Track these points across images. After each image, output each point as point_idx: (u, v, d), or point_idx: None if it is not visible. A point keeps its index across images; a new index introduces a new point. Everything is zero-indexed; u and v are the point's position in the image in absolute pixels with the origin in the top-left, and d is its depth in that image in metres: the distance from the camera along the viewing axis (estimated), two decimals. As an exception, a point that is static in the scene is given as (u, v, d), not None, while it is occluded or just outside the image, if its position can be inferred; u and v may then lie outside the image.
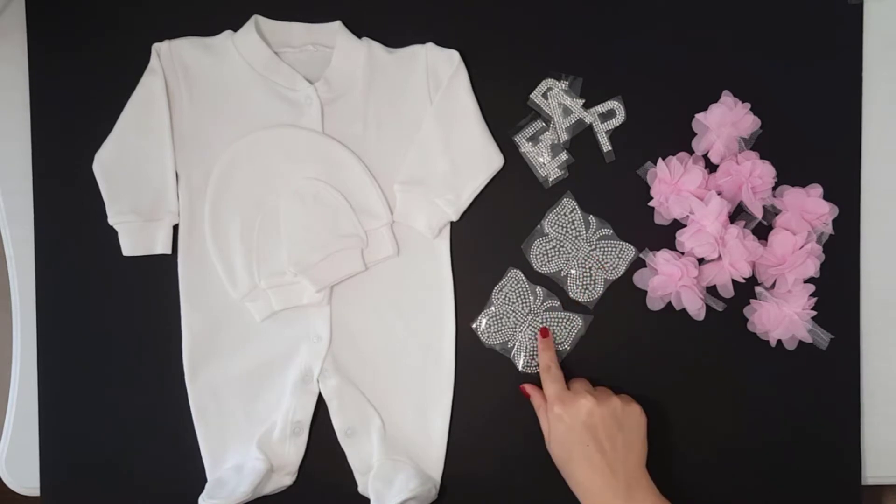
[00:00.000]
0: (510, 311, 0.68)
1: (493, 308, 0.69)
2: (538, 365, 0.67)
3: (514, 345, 0.68)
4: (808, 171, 0.69)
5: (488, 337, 0.68)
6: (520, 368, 0.68)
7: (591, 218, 0.69)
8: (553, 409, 0.62)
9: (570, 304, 0.69)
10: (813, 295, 0.67)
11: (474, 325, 0.69)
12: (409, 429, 0.67)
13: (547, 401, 0.64)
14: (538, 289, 0.69)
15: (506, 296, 0.69)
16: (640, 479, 0.60)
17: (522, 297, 0.69)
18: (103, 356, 0.69)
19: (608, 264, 0.69)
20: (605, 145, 0.70)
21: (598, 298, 0.69)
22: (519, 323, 0.68)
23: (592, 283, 0.69)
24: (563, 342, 0.68)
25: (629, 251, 0.69)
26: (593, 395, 0.62)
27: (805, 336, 0.67)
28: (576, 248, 0.69)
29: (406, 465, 0.66)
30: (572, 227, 0.69)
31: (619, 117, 0.70)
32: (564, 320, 0.69)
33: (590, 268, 0.69)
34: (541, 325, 0.68)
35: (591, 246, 0.69)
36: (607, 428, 0.61)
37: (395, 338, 0.68)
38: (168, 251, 0.68)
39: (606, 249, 0.69)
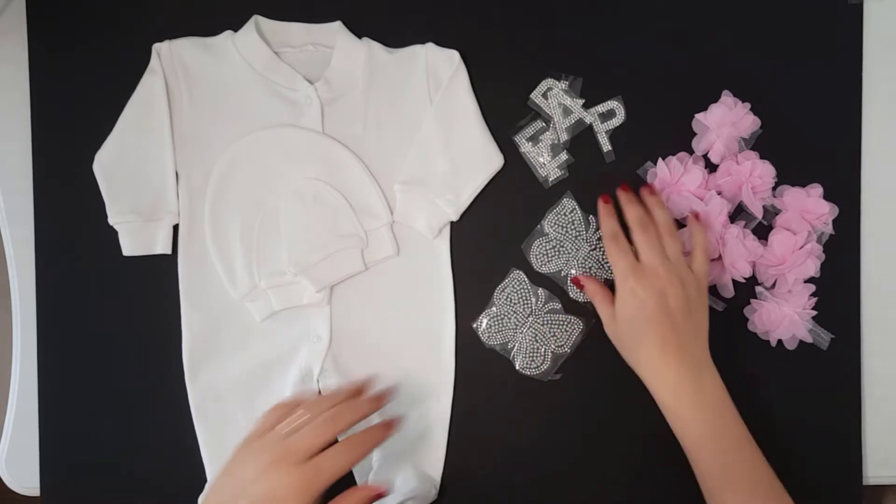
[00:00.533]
0: (511, 312, 0.68)
1: (494, 308, 0.68)
2: (601, 236, 0.64)
3: (514, 346, 0.68)
4: (808, 171, 0.69)
5: (489, 337, 0.68)
6: (517, 368, 0.68)
7: (592, 218, 0.69)
8: (627, 281, 0.59)
9: (571, 307, 0.69)
10: (813, 295, 0.67)
11: (475, 325, 0.69)
12: (409, 429, 0.67)
13: (617, 274, 0.61)
14: (540, 290, 0.68)
15: (507, 296, 0.69)
16: (706, 362, 0.59)
17: (524, 298, 0.68)
18: (103, 356, 0.69)
19: (608, 264, 0.69)
20: (605, 145, 0.70)
21: None
22: (519, 324, 0.68)
23: None
24: (563, 345, 0.68)
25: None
26: (668, 273, 0.59)
27: (805, 336, 0.67)
28: (576, 248, 0.69)
29: (406, 465, 0.66)
30: (572, 226, 0.69)
31: (619, 117, 0.70)
32: (565, 323, 0.69)
33: (590, 268, 0.69)
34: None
35: (591, 246, 0.69)
36: (680, 309, 0.58)
37: (395, 337, 0.68)
38: (168, 251, 0.68)
39: None
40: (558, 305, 0.69)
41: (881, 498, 0.85)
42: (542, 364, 0.68)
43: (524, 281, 0.68)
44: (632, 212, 0.63)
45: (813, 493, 0.69)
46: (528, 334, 0.68)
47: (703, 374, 0.59)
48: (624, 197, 0.65)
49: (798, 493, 0.69)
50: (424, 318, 0.68)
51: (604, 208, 0.65)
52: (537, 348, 0.68)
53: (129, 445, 0.68)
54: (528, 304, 0.68)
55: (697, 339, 0.60)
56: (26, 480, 0.69)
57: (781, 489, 0.58)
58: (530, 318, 0.68)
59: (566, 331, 0.68)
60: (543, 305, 0.69)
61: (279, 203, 0.67)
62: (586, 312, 0.69)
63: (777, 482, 0.58)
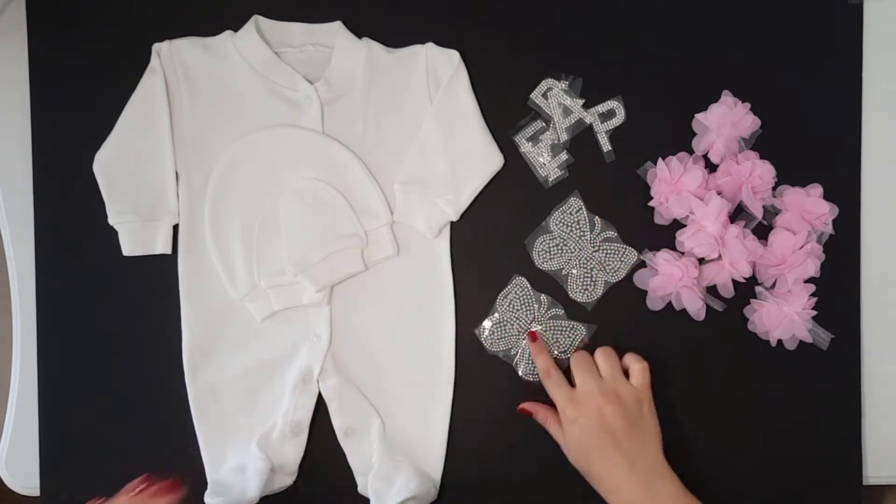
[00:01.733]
0: (514, 319, 0.68)
1: (497, 315, 0.68)
2: (605, 238, 0.66)
3: (517, 352, 0.68)
4: (808, 171, 0.69)
5: (492, 343, 0.68)
6: (520, 374, 0.68)
7: (597, 219, 0.69)
8: (566, 413, 0.63)
9: (574, 313, 0.69)
10: (813, 295, 0.67)
11: (478, 331, 0.68)
12: (409, 429, 0.67)
13: (557, 406, 0.64)
14: (543, 297, 0.68)
15: (510, 303, 0.68)
16: (661, 470, 0.61)
17: (527, 304, 0.68)
18: (103, 356, 0.69)
19: (610, 267, 0.69)
20: (605, 145, 0.70)
21: (597, 300, 0.68)
22: (522, 330, 0.68)
23: (593, 284, 0.69)
24: (566, 350, 0.68)
25: (631, 255, 0.69)
26: (600, 390, 0.62)
27: (805, 336, 0.67)
28: (579, 247, 0.69)
29: (406, 465, 0.66)
30: (577, 226, 0.69)
31: (619, 117, 0.70)
32: (568, 329, 0.68)
33: (591, 269, 0.69)
34: (530, 332, 0.68)
35: (594, 247, 0.69)
36: (622, 426, 0.61)
37: (395, 337, 0.68)
38: (168, 251, 0.68)
39: (609, 252, 0.69)
40: (561, 311, 0.68)
41: (881, 498, 0.85)
42: None
43: (527, 287, 0.68)
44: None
45: (813, 493, 0.69)
46: None
47: (655, 483, 0.60)
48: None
49: (798, 493, 0.69)
50: (424, 317, 0.68)
51: (533, 347, 0.67)
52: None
53: (130, 445, 0.68)
54: (530, 310, 0.68)
55: (646, 448, 0.61)
56: (26, 480, 0.69)
57: None
58: (533, 325, 0.68)
59: (569, 337, 0.68)
60: (546, 312, 0.68)
61: (279, 203, 0.67)
62: (589, 319, 0.69)
63: None
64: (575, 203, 0.69)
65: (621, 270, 0.69)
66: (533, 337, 0.67)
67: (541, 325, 0.68)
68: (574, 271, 0.69)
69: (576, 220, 0.69)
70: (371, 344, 0.68)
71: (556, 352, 0.68)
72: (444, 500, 0.67)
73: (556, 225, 0.69)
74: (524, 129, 0.70)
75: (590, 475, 0.62)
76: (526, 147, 0.69)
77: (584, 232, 0.69)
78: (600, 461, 0.61)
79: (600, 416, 0.61)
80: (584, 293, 0.69)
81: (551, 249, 0.69)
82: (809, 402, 0.69)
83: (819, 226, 0.68)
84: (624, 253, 0.69)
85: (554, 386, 0.64)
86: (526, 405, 0.67)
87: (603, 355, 0.64)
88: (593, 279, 0.69)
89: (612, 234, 0.69)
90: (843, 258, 0.69)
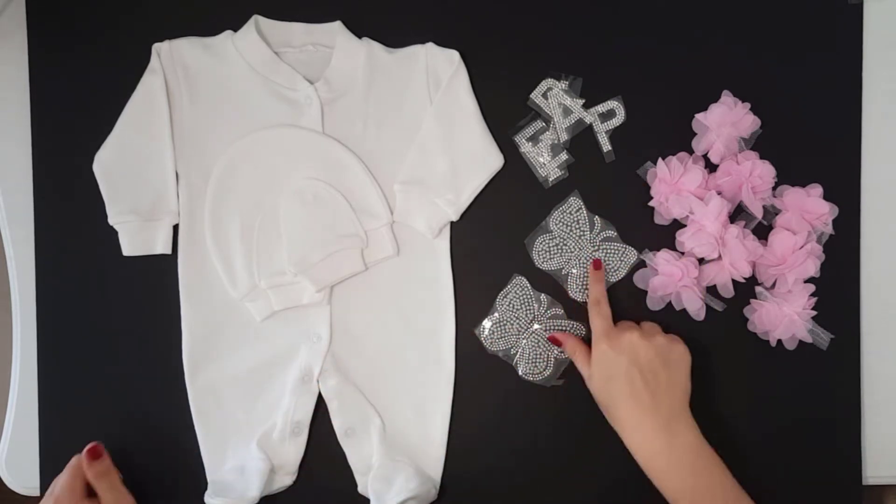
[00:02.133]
0: (514, 318, 0.68)
1: (496, 314, 0.68)
2: (587, 299, 0.67)
3: (517, 352, 0.68)
4: (808, 171, 0.69)
5: (491, 343, 0.68)
6: (520, 373, 0.68)
7: (597, 219, 0.69)
8: (599, 345, 0.62)
9: (574, 313, 0.69)
10: (813, 295, 0.67)
11: (477, 331, 0.68)
12: (409, 429, 0.67)
13: (593, 334, 0.64)
14: (542, 296, 0.68)
15: (510, 302, 0.68)
16: (683, 419, 0.61)
17: (526, 304, 0.68)
18: (103, 356, 0.69)
19: (609, 266, 0.69)
20: (605, 145, 0.70)
21: None
22: (522, 330, 0.68)
23: None
24: (566, 350, 0.68)
25: (631, 255, 0.69)
26: (640, 332, 0.62)
27: (805, 336, 0.67)
28: (579, 247, 0.69)
29: (406, 465, 0.66)
30: (577, 226, 0.69)
31: (619, 117, 0.70)
32: (568, 329, 0.68)
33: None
34: (595, 259, 0.67)
35: (594, 247, 0.69)
36: (652, 364, 0.61)
37: (395, 338, 0.68)
38: (168, 251, 0.68)
39: (609, 251, 0.69)
40: (561, 311, 0.68)
41: (881, 498, 0.85)
42: (544, 370, 0.68)
43: (527, 287, 0.68)
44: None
45: (813, 493, 0.69)
46: (531, 340, 0.68)
47: (675, 431, 0.60)
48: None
49: (798, 493, 0.69)
50: (424, 317, 0.68)
51: (593, 274, 0.67)
52: (540, 354, 0.68)
53: (130, 445, 0.68)
54: (530, 309, 0.68)
55: (672, 395, 0.61)
56: (26, 480, 0.69)
57: None
58: (533, 324, 0.68)
59: None
60: (546, 311, 0.68)
61: (279, 203, 0.67)
62: (588, 318, 0.68)
63: None
64: (575, 203, 0.69)
65: (621, 270, 0.69)
66: (597, 265, 0.67)
67: (540, 324, 0.68)
68: (574, 271, 0.69)
69: (575, 219, 0.69)
70: (371, 344, 0.68)
71: (556, 351, 0.68)
72: (444, 500, 0.68)
73: (556, 224, 0.69)
74: (524, 129, 0.70)
75: (610, 412, 0.62)
76: (526, 147, 0.69)
77: (583, 231, 0.69)
78: (624, 399, 0.60)
79: (634, 352, 0.61)
80: (584, 293, 0.69)
81: (551, 249, 0.69)
82: (809, 402, 0.69)
83: (819, 226, 0.68)
84: (624, 252, 0.69)
85: (598, 315, 0.64)
86: (556, 334, 0.67)
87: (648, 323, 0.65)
88: None
89: (612, 233, 0.69)
90: (843, 258, 0.69)
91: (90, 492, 0.62)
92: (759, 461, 0.69)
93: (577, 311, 0.69)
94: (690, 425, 0.60)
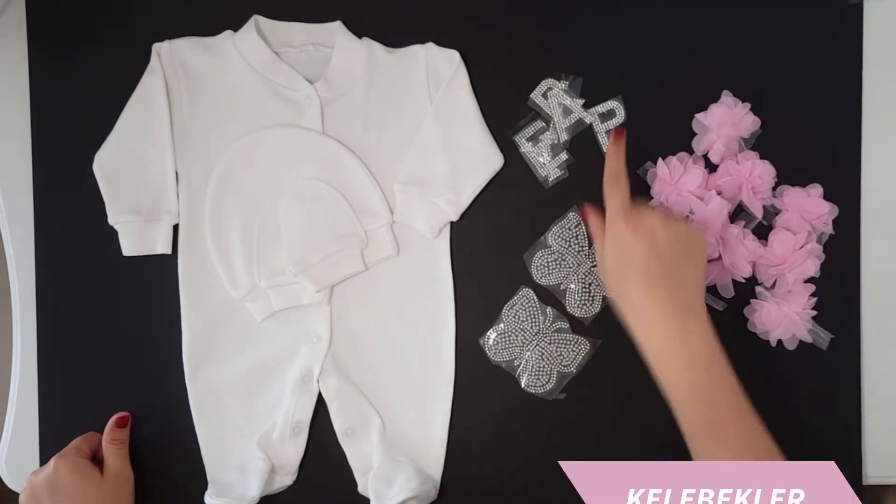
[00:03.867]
0: (519, 330, 0.68)
1: (502, 325, 0.68)
2: (585, 316, 0.64)
3: (521, 363, 0.68)
4: (808, 171, 0.69)
5: (496, 353, 0.68)
6: (522, 385, 0.68)
7: None
8: (615, 224, 0.57)
9: (578, 327, 0.69)
10: (813, 295, 0.67)
11: (482, 341, 0.68)
12: (409, 429, 0.67)
13: (609, 212, 0.59)
14: (548, 309, 0.68)
15: (516, 314, 0.68)
16: (696, 306, 0.56)
17: (532, 316, 0.68)
18: (103, 356, 0.69)
19: None
20: (605, 145, 0.70)
21: (595, 315, 0.68)
22: (526, 342, 0.68)
23: (591, 299, 0.68)
24: (569, 364, 0.68)
25: None
26: (661, 215, 0.57)
27: (805, 336, 0.67)
28: (577, 262, 0.68)
29: (406, 465, 0.66)
30: (576, 241, 0.69)
31: (619, 117, 0.70)
32: (572, 343, 0.68)
33: (589, 284, 0.68)
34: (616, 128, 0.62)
35: (592, 262, 0.68)
36: (671, 248, 0.56)
37: (395, 337, 0.68)
38: (168, 251, 0.68)
39: None
40: (566, 325, 0.68)
41: (881, 498, 0.85)
42: (547, 383, 0.68)
43: (533, 299, 0.68)
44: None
45: (813, 493, 0.69)
46: (535, 352, 0.68)
47: (690, 325, 0.55)
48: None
49: (798, 493, 0.69)
50: (424, 317, 0.68)
51: (614, 145, 0.61)
52: (543, 367, 0.68)
53: (130, 445, 0.68)
54: (535, 322, 0.68)
55: (689, 287, 0.56)
56: (26, 480, 0.69)
57: (768, 439, 0.56)
58: (537, 337, 0.68)
59: (573, 350, 0.68)
60: (551, 324, 0.68)
61: (279, 203, 0.67)
62: (593, 333, 0.69)
63: (763, 433, 0.55)
64: (574, 218, 0.69)
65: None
66: (618, 133, 0.61)
67: (545, 337, 0.68)
68: (573, 286, 0.68)
69: (574, 234, 0.69)
70: (371, 344, 0.68)
71: (559, 365, 0.68)
72: (444, 500, 0.68)
73: (555, 240, 0.68)
74: (524, 129, 0.70)
75: (621, 298, 0.58)
76: (526, 147, 0.69)
77: (582, 247, 0.69)
78: (637, 285, 0.56)
79: (652, 236, 0.56)
80: (582, 308, 0.68)
81: (550, 264, 0.69)
82: (809, 402, 0.69)
83: (819, 226, 0.68)
84: None
85: (616, 192, 0.59)
86: (588, 207, 0.62)
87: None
88: (591, 294, 0.68)
89: (612, 249, 0.69)
90: (843, 258, 0.69)
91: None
92: (759, 461, 0.69)
93: (583, 326, 0.69)
94: (703, 319, 0.55)
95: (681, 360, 0.55)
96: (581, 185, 0.69)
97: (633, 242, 0.56)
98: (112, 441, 0.65)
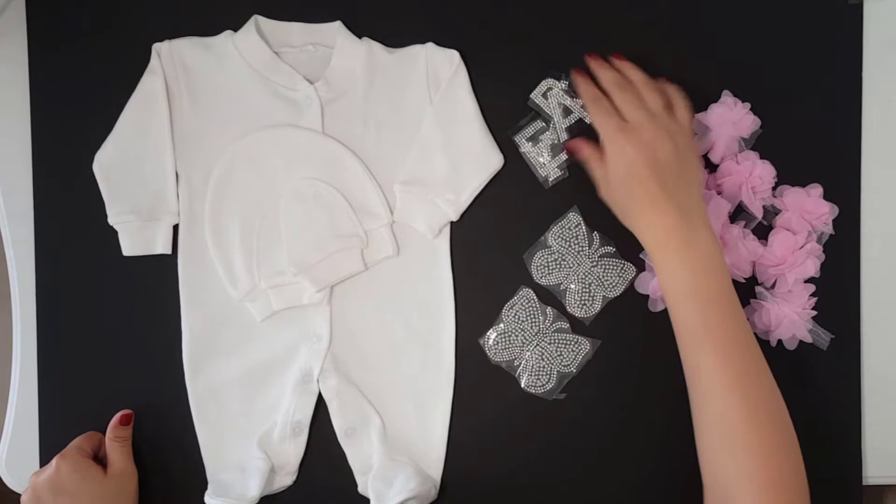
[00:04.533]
0: (519, 330, 0.68)
1: (502, 325, 0.68)
2: (603, 253, 0.66)
3: (521, 363, 0.68)
4: (808, 171, 0.69)
5: (496, 354, 0.68)
6: (522, 386, 0.68)
7: (595, 235, 0.68)
8: (616, 138, 0.59)
9: (579, 327, 0.69)
10: (813, 295, 0.67)
11: (482, 341, 0.68)
12: (409, 429, 0.67)
13: (604, 135, 0.60)
14: (549, 309, 0.68)
15: (516, 314, 0.68)
16: (699, 212, 0.59)
17: (532, 316, 0.68)
18: (103, 356, 0.69)
19: (608, 282, 0.68)
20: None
21: (595, 315, 0.68)
22: (526, 342, 0.68)
23: (591, 299, 0.68)
24: (569, 364, 0.68)
25: (630, 271, 0.68)
26: (656, 128, 0.59)
27: (805, 336, 0.67)
28: (577, 262, 0.68)
29: (406, 465, 0.66)
30: (576, 241, 0.68)
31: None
32: (572, 343, 0.68)
33: (590, 284, 0.68)
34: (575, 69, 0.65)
35: (592, 262, 0.68)
36: (671, 162, 0.58)
37: (395, 337, 0.68)
38: (168, 251, 0.68)
39: (608, 267, 0.68)
40: (566, 325, 0.68)
41: (881, 498, 0.85)
42: (547, 383, 0.68)
43: (533, 299, 0.68)
44: (606, 75, 0.64)
45: (813, 493, 0.69)
46: (535, 353, 0.68)
47: (694, 225, 0.58)
48: (594, 63, 0.65)
49: (798, 493, 0.69)
50: (424, 317, 0.68)
51: (580, 77, 0.64)
52: (543, 367, 0.68)
53: (131, 445, 0.68)
54: (535, 322, 0.68)
55: (690, 189, 0.59)
56: (26, 480, 0.69)
57: (757, 348, 0.58)
58: (537, 337, 0.68)
59: (573, 351, 0.68)
60: (551, 325, 0.68)
61: (279, 203, 0.67)
62: (593, 333, 0.68)
63: (754, 341, 0.58)
64: (574, 218, 0.69)
65: (619, 286, 0.68)
66: (576, 71, 0.65)
67: (545, 337, 0.68)
68: (572, 286, 0.68)
69: (574, 234, 0.69)
70: (371, 344, 0.68)
71: (559, 365, 0.68)
72: (444, 500, 0.68)
73: (555, 240, 0.68)
74: (524, 129, 0.70)
75: (628, 213, 0.60)
76: (526, 147, 0.69)
77: (582, 247, 0.69)
78: (644, 194, 0.58)
79: (651, 148, 0.58)
80: (581, 308, 0.68)
81: (549, 264, 0.68)
82: (809, 402, 0.69)
83: (819, 226, 0.68)
84: (622, 269, 0.68)
85: (603, 111, 0.61)
86: (574, 141, 0.65)
87: (648, 89, 0.62)
88: (591, 294, 0.68)
89: (611, 249, 0.68)
90: (843, 258, 0.69)
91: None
92: (759, 461, 0.69)
93: (583, 326, 0.69)
94: (707, 224, 0.59)
95: (685, 264, 0.57)
96: (581, 185, 0.69)
97: (635, 159, 0.58)
98: (116, 438, 0.66)
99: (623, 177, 0.59)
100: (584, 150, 0.64)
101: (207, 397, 0.67)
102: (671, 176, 0.58)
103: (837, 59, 0.70)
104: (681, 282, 0.58)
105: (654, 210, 0.58)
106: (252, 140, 0.68)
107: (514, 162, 0.69)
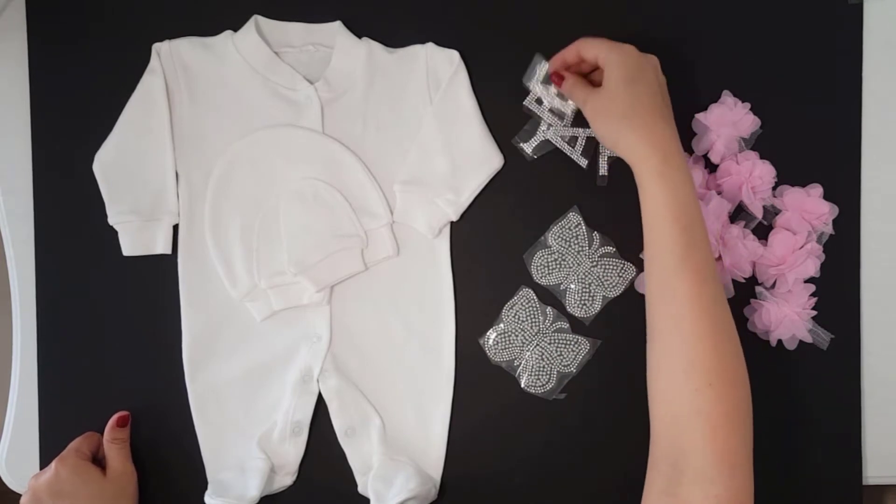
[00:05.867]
0: (519, 330, 0.68)
1: (502, 325, 0.68)
2: (603, 253, 0.67)
3: (521, 363, 0.68)
4: (808, 171, 0.69)
5: (495, 353, 0.68)
6: (522, 386, 0.68)
7: (595, 235, 0.68)
8: (622, 46, 0.60)
9: (579, 327, 0.69)
10: (813, 295, 0.67)
11: (482, 341, 0.68)
12: (409, 429, 0.67)
13: (608, 43, 0.61)
14: (548, 309, 0.68)
15: (516, 314, 0.68)
16: (678, 143, 0.60)
17: (532, 316, 0.68)
18: (103, 356, 0.69)
19: (608, 282, 0.68)
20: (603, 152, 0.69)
21: (595, 315, 0.68)
22: (526, 342, 0.68)
23: (591, 299, 0.68)
24: (569, 364, 0.68)
25: (630, 271, 0.68)
26: (644, 55, 0.61)
27: (805, 336, 0.67)
28: (577, 262, 0.68)
29: (406, 465, 0.66)
30: (576, 241, 0.68)
31: (619, 117, 0.69)
32: (572, 343, 0.68)
33: (590, 284, 0.68)
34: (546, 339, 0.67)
35: (592, 262, 0.68)
36: (664, 85, 0.62)
37: (395, 337, 0.68)
38: (168, 251, 0.68)
39: (607, 267, 0.68)
40: (566, 325, 0.68)
41: (881, 498, 0.85)
42: (547, 383, 0.68)
43: (533, 299, 0.68)
44: (570, 53, 0.64)
45: (813, 493, 0.69)
46: (535, 353, 0.68)
47: (680, 152, 0.59)
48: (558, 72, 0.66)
49: (798, 493, 0.69)
50: (424, 317, 0.68)
51: (555, 75, 0.66)
52: (543, 367, 0.68)
53: (130, 445, 0.68)
54: (535, 322, 0.68)
55: (672, 119, 0.61)
56: (26, 480, 0.69)
57: (722, 285, 0.59)
58: (537, 337, 0.68)
59: (573, 350, 0.68)
60: (551, 324, 0.68)
61: (279, 203, 0.67)
62: (593, 333, 0.69)
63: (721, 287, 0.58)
64: (574, 218, 0.69)
65: (619, 286, 0.68)
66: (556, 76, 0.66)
67: (545, 337, 0.68)
68: (572, 286, 0.68)
69: (574, 234, 0.69)
70: (371, 344, 0.68)
71: (559, 365, 0.68)
72: (444, 500, 0.68)
73: (555, 240, 0.68)
74: (526, 132, 0.69)
75: (628, 121, 0.59)
76: (527, 148, 0.69)
77: (582, 247, 0.69)
78: (653, 99, 0.60)
79: (653, 60, 0.62)
80: (581, 308, 0.68)
81: (549, 264, 0.68)
82: (809, 402, 0.69)
83: (819, 226, 0.68)
84: (622, 269, 0.68)
85: (593, 41, 0.62)
86: (554, 74, 0.66)
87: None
88: (591, 294, 0.68)
89: (611, 249, 0.68)
90: (843, 258, 0.69)
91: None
92: (760, 461, 0.68)
93: (583, 326, 0.69)
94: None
95: (676, 186, 0.57)
96: (581, 185, 0.69)
97: (645, 64, 0.61)
98: (113, 440, 0.66)
99: (630, 79, 0.59)
100: (569, 78, 0.65)
101: (207, 397, 0.67)
102: (665, 95, 0.61)
103: (837, 59, 0.70)
104: (671, 203, 0.57)
105: (655, 124, 0.58)
106: (252, 140, 0.68)
107: (515, 162, 0.69)
